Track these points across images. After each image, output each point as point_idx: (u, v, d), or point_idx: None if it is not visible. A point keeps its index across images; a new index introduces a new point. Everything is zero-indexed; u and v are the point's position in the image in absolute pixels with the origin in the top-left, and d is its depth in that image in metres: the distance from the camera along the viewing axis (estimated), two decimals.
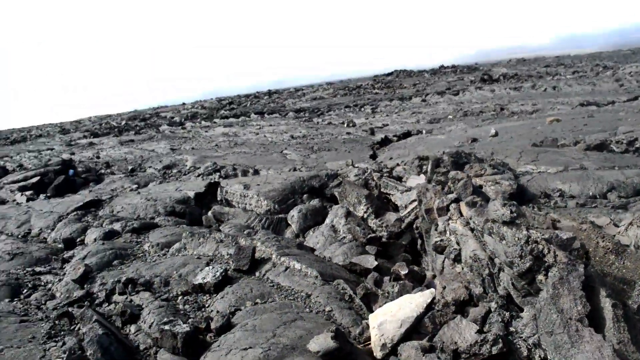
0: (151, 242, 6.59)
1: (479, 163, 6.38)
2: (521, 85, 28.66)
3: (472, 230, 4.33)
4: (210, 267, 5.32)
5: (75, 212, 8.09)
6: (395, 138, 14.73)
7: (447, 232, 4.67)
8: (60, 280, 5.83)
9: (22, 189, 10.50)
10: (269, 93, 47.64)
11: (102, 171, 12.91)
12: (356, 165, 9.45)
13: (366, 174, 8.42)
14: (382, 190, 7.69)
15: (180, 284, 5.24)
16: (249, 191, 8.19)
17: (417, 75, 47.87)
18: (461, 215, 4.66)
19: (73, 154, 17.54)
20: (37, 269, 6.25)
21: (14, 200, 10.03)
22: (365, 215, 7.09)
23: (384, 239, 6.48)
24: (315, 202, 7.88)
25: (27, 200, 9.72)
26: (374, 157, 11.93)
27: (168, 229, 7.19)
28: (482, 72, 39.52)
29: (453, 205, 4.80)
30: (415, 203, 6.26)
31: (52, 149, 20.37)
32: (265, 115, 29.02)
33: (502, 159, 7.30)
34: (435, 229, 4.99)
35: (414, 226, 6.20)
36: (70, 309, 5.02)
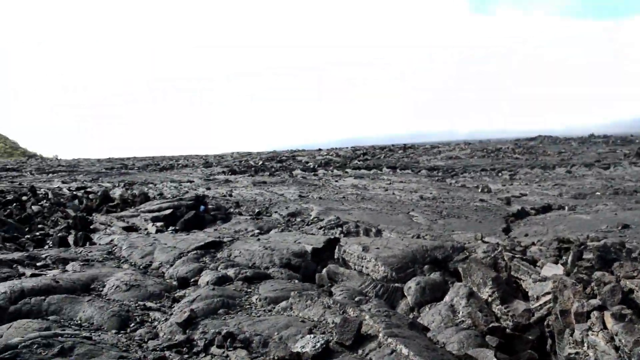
0: (260, 295, 6.44)
1: (631, 262, 5.51)
2: None
3: (616, 349, 3.62)
4: (312, 335, 5.01)
5: (195, 251, 8.24)
6: (533, 211, 13.64)
7: (585, 345, 3.97)
8: (166, 319, 5.83)
9: (154, 220, 11.02)
10: (404, 147, 47.38)
11: (232, 210, 13.25)
12: (486, 240, 8.74)
13: (496, 251, 7.73)
14: (512, 273, 6.97)
15: (278, 348, 4.96)
16: (367, 254, 7.84)
17: (563, 143, 45.04)
18: (604, 327, 3.94)
19: (209, 189, 18.36)
20: (149, 304, 6.32)
21: (146, 230, 10.54)
22: (490, 300, 6.42)
23: (508, 330, 5.78)
24: (436, 275, 7.34)
25: (157, 231, 10.16)
26: (507, 230, 11.05)
27: (279, 282, 7.02)
28: (639, 146, 36.25)
29: (595, 313, 4.09)
30: (550, 296, 5.53)
31: (192, 182, 21.55)
32: (398, 170, 28.70)
33: None
34: (571, 335, 4.28)
35: (545, 323, 5.45)
36: (167, 353, 4.97)
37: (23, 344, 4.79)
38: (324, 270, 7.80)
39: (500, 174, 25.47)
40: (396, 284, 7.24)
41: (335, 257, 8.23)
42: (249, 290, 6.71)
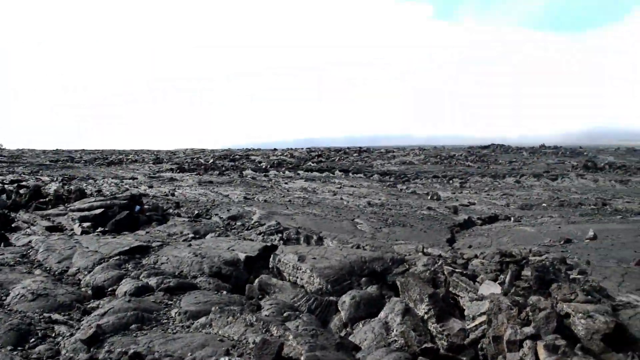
0: (180, 308, 5.93)
1: (569, 284, 5.25)
2: (629, 179, 26.33)
3: None
4: (228, 357, 4.55)
5: (118, 256, 7.63)
6: (479, 221, 13.52)
7: None
8: (72, 335, 5.26)
9: (82, 220, 10.31)
10: (360, 150, 47.34)
11: (170, 211, 12.64)
12: (427, 252, 8.45)
13: (436, 265, 7.42)
14: (450, 289, 6.66)
15: None
16: (303, 264, 7.41)
17: (514, 152, 45.86)
18: (537, 358, 3.62)
19: (151, 187, 17.63)
20: (55, 316, 5.73)
21: (72, 230, 9.82)
22: (426, 317, 6.08)
23: (441, 351, 5.44)
24: (373, 289, 6.97)
25: (82, 232, 9.46)
26: (451, 241, 10.83)
27: (205, 294, 6.51)
28: (586, 158, 37.08)
29: (528, 342, 3.77)
30: (485, 317, 5.22)
31: (135, 179, 20.71)
32: (350, 174, 28.45)
33: (600, 280, 6.07)
34: None
35: (479, 346, 5.14)
36: None
37: None
38: (256, 280, 7.32)
39: (451, 182, 25.52)
40: (331, 298, 6.83)
41: (270, 266, 7.76)
42: (169, 302, 6.19)
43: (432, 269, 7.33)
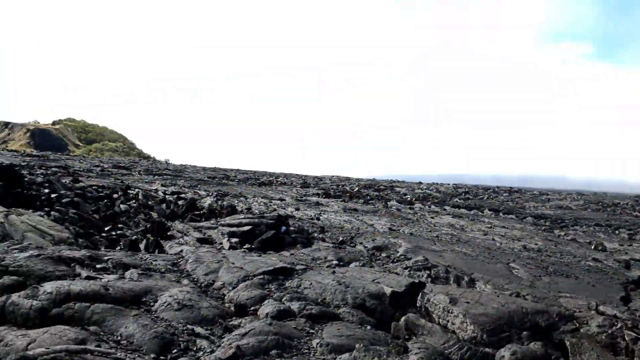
0: (322, 339, 5.52)
1: None
2: None
3: None
4: None
5: (262, 276, 7.47)
6: None
7: None
8: (212, 352, 5.06)
9: (231, 235, 10.45)
10: (510, 191, 44.79)
11: (315, 235, 12.49)
12: (602, 311, 7.30)
13: (614, 327, 6.33)
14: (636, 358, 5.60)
15: None
16: (455, 307, 6.70)
17: None
18: None
19: (298, 209, 17.77)
20: (198, 329, 5.60)
21: (220, 244, 9.97)
22: None
23: None
24: (537, 346, 6.07)
25: (229, 247, 9.54)
26: (626, 300, 9.39)
27: (348, 326, 6.06)
28: None
29: None
30: None
31: (283, 200, 21.12)
32: (501, 214, 26.77)
33: None
34: None
35: None
36: None
37: (43, 357, 4.20)
38: (403, 319, 6.73)
39: (617, 232, 22.93)
40: (486, 349, 6.04)
41: (418, 305, 7.14)
42: (311, 330, 5.82)
43: (610, 331, 6.27)
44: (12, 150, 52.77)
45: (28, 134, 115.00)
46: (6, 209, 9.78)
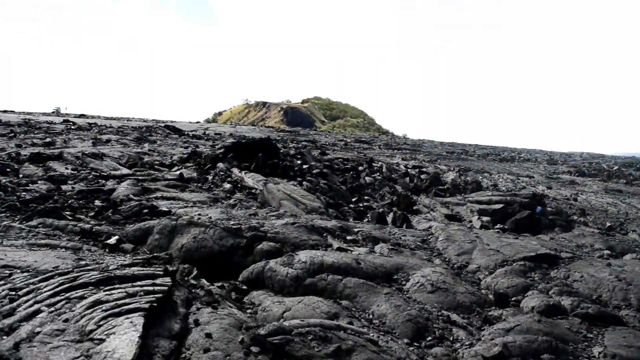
0: (605, 349, 4.55)
1: None
2: None
3: None
4: None
5: (522, 262, 6.61)
6: None
7: None
8: (471, 345, 4.49)
9: (481, 213, 9.67)
10: None
11: (575, 218, 11.05)
12: None
13: None
14: None
15: None
16: None
17: None
18: None
19: (549, 188, 16.14)
20: (454, 316, 5.07)
21: (470, 222, 9.28)
22: None
23: None
24: None
25: (481, 227, 8.79)
26: None
27: (636, 335, 4.94)
28: None
29: None
30: None
31: (531, 177, 19.45)
32: None
33: None
34: None
35: None
36: None
37: (299, 330, 4.06)
38: None
39: None
40: None
41: None
42: (589, 335, 4.87)
43: None
44: (268, 127, 58.32)
45: (281, 112, 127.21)
46: (265, 178, 10.44)
